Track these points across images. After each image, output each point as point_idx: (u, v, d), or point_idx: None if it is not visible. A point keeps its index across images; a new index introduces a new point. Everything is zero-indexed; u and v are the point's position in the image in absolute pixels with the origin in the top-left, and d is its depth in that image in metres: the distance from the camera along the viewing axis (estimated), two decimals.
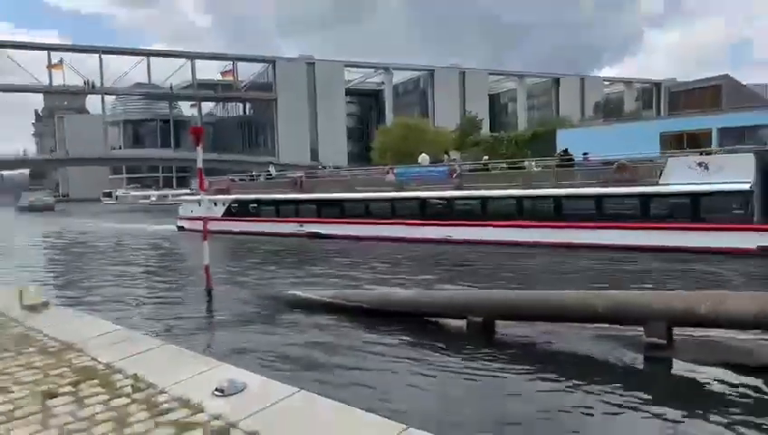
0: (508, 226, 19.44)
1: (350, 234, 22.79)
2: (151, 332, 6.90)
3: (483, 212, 20.48)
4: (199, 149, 12.08)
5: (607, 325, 7.82)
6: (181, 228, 30.37)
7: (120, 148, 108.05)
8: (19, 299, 7.23)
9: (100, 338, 5.55)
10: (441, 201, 21.79)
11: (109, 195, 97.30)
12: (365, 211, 23.57)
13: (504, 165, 24.10)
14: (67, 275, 17.62)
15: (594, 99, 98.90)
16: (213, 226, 26.64)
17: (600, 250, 16.71)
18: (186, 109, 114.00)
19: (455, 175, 22.58)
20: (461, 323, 8.60)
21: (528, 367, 7.06)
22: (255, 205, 27.73)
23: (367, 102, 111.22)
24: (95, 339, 5.51)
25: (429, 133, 57.82)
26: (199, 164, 12.14)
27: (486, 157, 30.56)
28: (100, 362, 4.84)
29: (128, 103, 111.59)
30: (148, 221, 40.55)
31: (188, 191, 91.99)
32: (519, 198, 19.81)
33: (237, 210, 28.33)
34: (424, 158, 28.46)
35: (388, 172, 25.44)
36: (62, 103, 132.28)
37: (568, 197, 18.94)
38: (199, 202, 29.23)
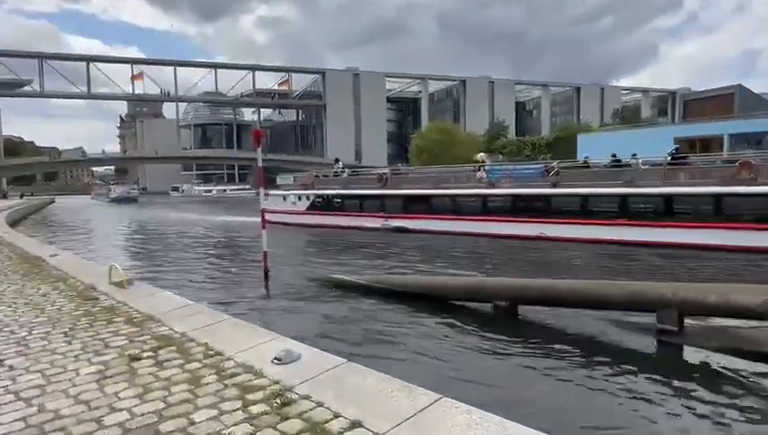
0: (610, 224, 17.34)
1: (437, 229, 21.08)
2: (218, 307, 7.08)
3: (581, 210, 18.29)
4: (259, 150, 12.23)
5: (622, 313, 7.64)
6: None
7: (191, 148, 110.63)
8: (108, 276, 7.49)
9: (175, 311, 5.71)
10: (536, 198, 19.61)
11: (176, 189, 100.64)
12: (454, 207, 21.62)
13: (606, 163, 21.58)
14: (150, 256, 18.21)
15: (613, 106, 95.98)
16: (297, 219, 26.70)
17: (717, 251, 14.59)
18: (247, 114, 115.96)
19: (551, 173, 20.28)
20: (487, 306, 8.56)
21: (546, 348, 6.97)
22: (339, 200, 26.02)
23: (405, 109, 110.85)
24: (172, 312, 5.68)
25: (460, 137, 57.42)
26: (259, 163, 12.31)
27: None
28: (176, 332, 4.99)
29: (197, 109, 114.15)
30: (220, 213, 41.45)
31: (244, 186, 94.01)
32: (623, 196, 17.53)
33: (321, 205, 26.70)
34: (482, 156, 27.63)
35: (479, 169, 23.13)
36: (142, 109, 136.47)
37: (680, 196, 16.48)
38: (284, 196, 28.63)
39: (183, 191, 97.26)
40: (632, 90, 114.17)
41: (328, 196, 26.66)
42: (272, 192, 30.65)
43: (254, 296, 10.58)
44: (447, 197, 22.12)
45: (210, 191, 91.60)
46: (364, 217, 24.17)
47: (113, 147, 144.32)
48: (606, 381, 5.91)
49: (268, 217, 29.11)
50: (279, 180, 32.01)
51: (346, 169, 30.64)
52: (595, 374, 6.07)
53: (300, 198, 27.69)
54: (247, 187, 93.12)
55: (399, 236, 21.26)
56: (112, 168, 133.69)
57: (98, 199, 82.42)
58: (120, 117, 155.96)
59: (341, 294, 10.34)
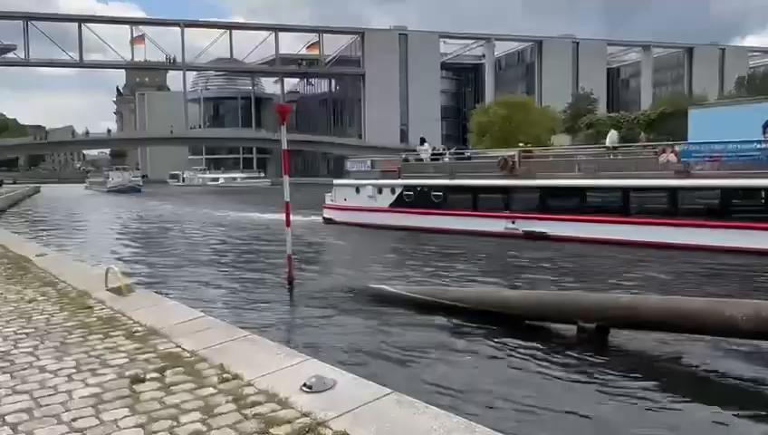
0: None
1: (594, 236, 18.93)
2: (235, 320, 7.28)
3: None
4: (283, 128, 12.41)
5: (749, 341, 7.38)
6: (329, 220, 28.28)
7: (201, 126, 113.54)
8: (105, 281, 7.80)
9: (184, 325, 5.92)
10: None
11: (175, 177, 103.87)
12: (622, 205, 19.61)
13: None
14: (154, 258, 18.93)
15: (737, 73, 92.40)
16: (376, 218, 25.55)
17: None
18: (268, 85, 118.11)
19: None
20: (570, 328, 8.45)
21: (645, 384, 6.81)
22: (440, 193, 24.26)
23: (464, 78, 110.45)
24: (180, 325, 5.89)
25: (535, 113, 56.59)
26: (284, 145, 12.43)
27: None
28: (185, 350, 5.17)
29: (209, 80, 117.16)
30: (231, 207, 42.46)
31: (258, 175, 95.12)
32: None
33: (413, 199, 25.10)
34: (613, 134, 25.55)
35: (663, 151, 20.55)
36: (143, 80, 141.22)
37: None
38: (357, 188, 27.23)
39: (184, 180, 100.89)
40: (765, 51, 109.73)
41: (423, 187, 24.89)
42: (339, 182, 29.42)
43: (278, 309, 10.90)
44: (614, 190, 19.92)
45: (217, 180, 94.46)
46: (479, 216, 22.44)
47: (109, 125, 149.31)
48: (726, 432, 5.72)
49: (332, 214, 28.47)
50: (349, 165, 30.34)
51: (446, 152, 28.64)
52: (715, 421, 5.90)
53: (380, 191, 26.27)
54: (262, 175, 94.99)
55: (532, 245, 19.43)
56: (107, 150, 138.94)
57: (93, 189, 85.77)
58: (118, 89, 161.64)
59: (385, 308, 10.47)
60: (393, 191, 25.81)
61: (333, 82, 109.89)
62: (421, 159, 27.77)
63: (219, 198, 55.72)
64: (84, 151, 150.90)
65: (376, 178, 26.98)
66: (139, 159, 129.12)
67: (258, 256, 19.01)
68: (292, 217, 12.44)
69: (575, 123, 55.93)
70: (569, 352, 7.86)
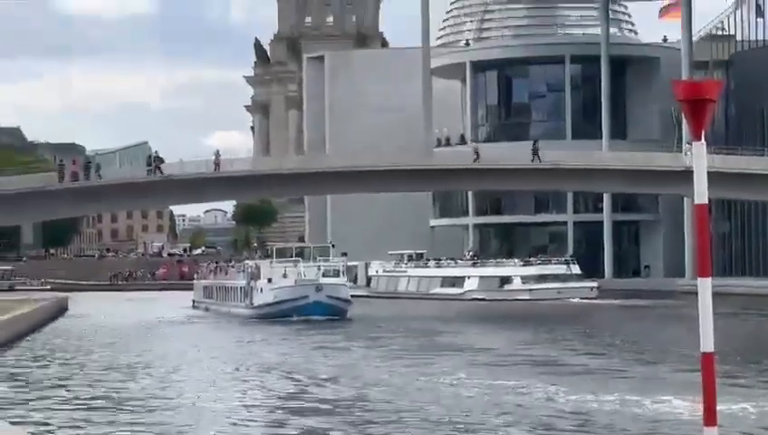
0: None
1: None
2: None
3: None
4: (699, 146, 7.20)
5: None
6: None
7: (472, 141, 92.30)
8: None
9: None
10: None
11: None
12: None
13: None
14: None
15: None
16: None
17: None
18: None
19: None
20: None
21: None
22: None
23: None
24: None
25: None
26: (699, 194, 7.64)
27: None
28: None
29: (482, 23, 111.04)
30: None
31: (567, 270, 79.75)
32: None
33: None
34: None
35: None
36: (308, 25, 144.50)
37: None
38: None
39: (370, 281, 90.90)
40: None
41: None
42: None
43: None
44: None
45: (498, 284, 77.04)
46: None
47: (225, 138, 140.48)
48: None
49: None
50: None
51: None
52: None
53: None
54: (574, 271, 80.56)
55: None
56: (220, 214, 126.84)
57: (214, 308, 77.78)
58: (259, 45, 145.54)
59: None
60: None
61: None
62: None
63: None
64: (173, 210, 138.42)
65: None
66: (308, 227, 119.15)
67: None
68: None
69: None
70: None
